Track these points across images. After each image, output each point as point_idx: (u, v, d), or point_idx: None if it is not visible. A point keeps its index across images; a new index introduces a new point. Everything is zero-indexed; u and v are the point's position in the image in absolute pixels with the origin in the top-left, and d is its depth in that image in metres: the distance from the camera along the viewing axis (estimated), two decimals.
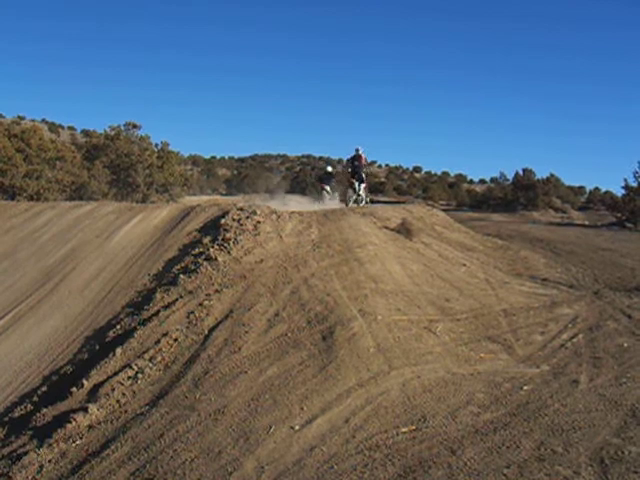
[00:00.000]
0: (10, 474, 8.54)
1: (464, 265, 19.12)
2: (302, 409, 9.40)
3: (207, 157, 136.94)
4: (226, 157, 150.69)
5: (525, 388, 10.83)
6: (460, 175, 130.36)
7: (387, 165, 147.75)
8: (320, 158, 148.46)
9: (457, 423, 9.29)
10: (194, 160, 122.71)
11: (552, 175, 62.97)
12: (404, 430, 9.02)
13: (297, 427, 8.94)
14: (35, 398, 11.28)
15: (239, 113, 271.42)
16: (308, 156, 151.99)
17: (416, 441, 8.68)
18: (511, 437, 8.78)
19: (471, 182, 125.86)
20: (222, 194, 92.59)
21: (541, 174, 71.37)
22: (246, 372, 10.44)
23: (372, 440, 8.72)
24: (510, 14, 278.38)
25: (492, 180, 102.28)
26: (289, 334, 11.72)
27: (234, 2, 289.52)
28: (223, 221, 18.11)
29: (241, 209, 19.42)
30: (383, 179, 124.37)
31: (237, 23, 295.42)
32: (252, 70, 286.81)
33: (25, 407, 11.04)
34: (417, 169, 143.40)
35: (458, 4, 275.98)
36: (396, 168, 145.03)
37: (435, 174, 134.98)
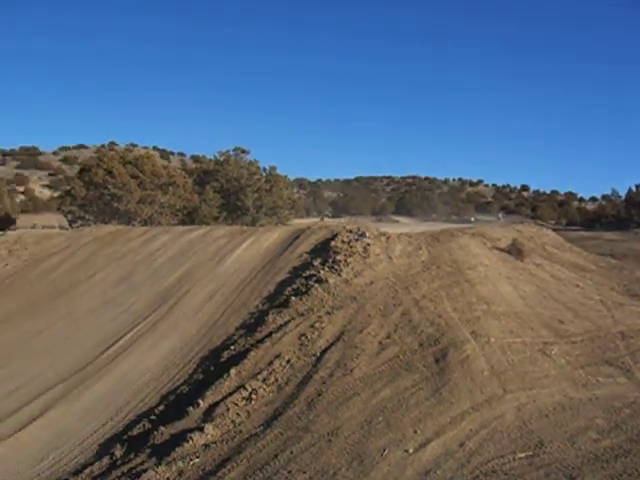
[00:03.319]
0: None
1: (577, 286, 18.61)
2: (416, 432, 9.32)
3: (313, 180, 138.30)
4: (331, 179, 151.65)
5: None
6: (570, 193, 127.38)
7: (494, 185, 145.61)
8: (426, 179, 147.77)
9: (576, 449, 9.01)
10: (300, 183, 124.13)
11: None
12: (521, 455, 8.81)
13: (411, 450, 8.86)
14: (153, 417, 11.56)
15: (344, 138, 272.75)
16: (414, 177, 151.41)
17: (533, 467, 8.46)
18: (633, 464, 8.47)
19: (581, 200, 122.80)
20: (328, 216, 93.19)
21: None
22: (359, 394, 10.42)
23: (488, 465, 8.54)
24: None
25: (604, 197, 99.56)
26: (401, 356, 11.66)
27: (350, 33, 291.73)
28: (333, 243, 18.25)
29: (350, 231, 19.53)
30: (490, 199, 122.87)
31: (350, 54, 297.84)
32: (355, 98, 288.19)
33: (143, 425, 11.32)
34: (525, 188, 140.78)
35: None
36: (503, 187, 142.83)
37: (544, 193, 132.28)
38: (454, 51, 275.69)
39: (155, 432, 10.59)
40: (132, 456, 10.14)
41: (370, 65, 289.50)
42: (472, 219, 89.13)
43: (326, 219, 73.71)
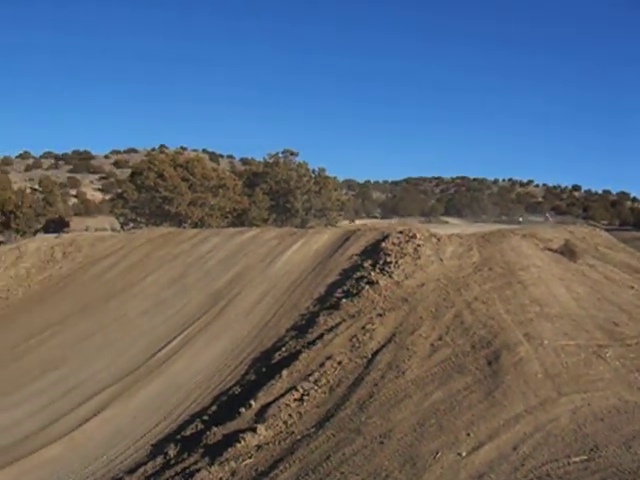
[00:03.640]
0: None
1: (632, 287, 18.27)
2: (469, 435, 9.24)
3: (361, 181, 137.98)
4: (380, 181, 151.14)
5: None
6: (622, 193, 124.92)
7: (544, 185, 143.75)
8: (475, 179, 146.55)
9: (632, 454, 8.83)
10: (349, 184, 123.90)
11: None
12: (575, 460, 8.67)
13: (464, 453, 8.79)
14: (205, 417, 11.70)
15: (393, 139, 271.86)
16: (463, 177, 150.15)
17: (588, 472, 8.31)
18: None
19: (634, 200, 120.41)
20: (377, 217, 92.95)
21: None
22: (411, 396, 10.38)
23: (542, 469, 8.42)
24: None
25: None
26: (453, 358, 11.58)
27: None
28: (383, 245, 18.23)
29: (401, 233, 19.47)
30: (541, 199, 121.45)
31: (399, 54, 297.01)
32: (404, 98, 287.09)
33: (196, 426, 11.46)
34: (576, 188, 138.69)
35: None
36: (554, 187, 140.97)
37: (595, 193, 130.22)
38: (499, 54, 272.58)
39: (208, 432, 10.70)
40: (185, 456, 10.26)
41: (419, 65, 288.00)
42: (520, 219, 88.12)
43: (375, 220, 73.56)
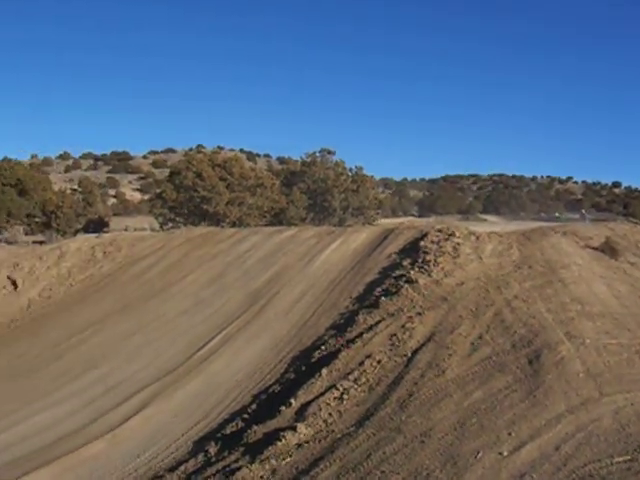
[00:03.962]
0: None
1: None
2: (510, 435, 9.17)
3: (398, 179, 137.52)
4: (417, 179, 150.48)
5: None
6: None
7: (584, 181, 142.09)
8: (513, 176, 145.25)
9: None
10: (385, 183, 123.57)
11: None
12: (619, 460, 8.56)
13: (505, 453, 8.72)
14: (245, 415, 11.75)
15: (428, 136, 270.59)
16: (500, 175, 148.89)
17: (632, 472, 8.19)
18: None
19: None
20: (414, 216, 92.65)
21: None
22: (451, 395, 10.33)
23: (584, 469, 8.33)
24: None
25: None
26: (493, 357, 11.51)
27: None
28: (422, 243, 18.20)
29: (440, 231, 19.43)
30: (580, 196, 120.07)
31: (432, 54, 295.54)
32: (440, 97, 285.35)
33: (236, 424, 11.51)
34: (616, 184, 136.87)
35: None
36: (594, 184, 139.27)
37: (636, 189, 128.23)
38: (530, 51, 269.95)
39: (248, 431, 10.74)
40: (226, 454, 10.30)
41: (455, 63, 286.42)
42: (556, 214, 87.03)
43: (412, 218, 73.31)
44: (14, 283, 21.25)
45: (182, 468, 10.33)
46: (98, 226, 45.40)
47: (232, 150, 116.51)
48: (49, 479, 10.58)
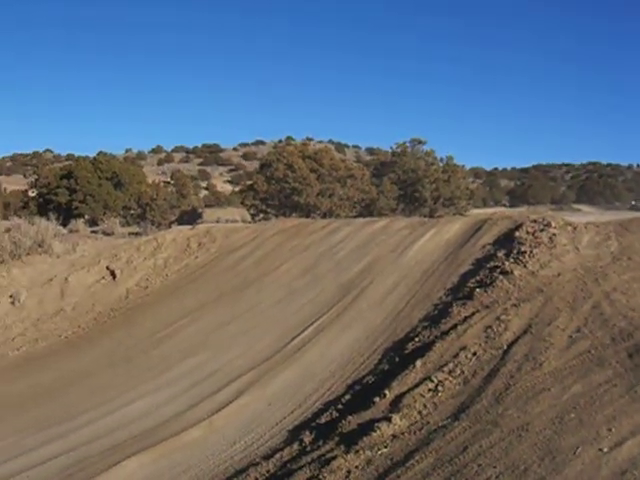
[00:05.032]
0: (320, 477, 8.93)
1: None
2: (610, 430, 8.94)
3: (489, 169, 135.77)
4: (508, 168, 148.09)
5: None
6: None
7: None
8: (608, 165, 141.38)
9: None
10: (476, 173, 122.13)
11: None
12: None
13: (606, 449, 8.51)
14: (340, 406, 11.81)
15: (519, 125, 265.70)
16: (595, 164, 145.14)
17: None
18: None
19: None
20: (505, 206, 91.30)
21: None
22: (549, 389, 10.15)
23: None
24: None
25: None
26: (592, 351, 11.24)
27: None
28: (517, 234, 17.96)
29: (535, 221, 19.12)
30: None
31: (522, 45, 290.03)
32: (530, 86, 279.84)
33: (330, 414, 11.58)
34: None
35: None
36: None
37: None
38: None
39: (343, 421, 10.80)
40: (320, 443, 10.37)
41: (544, 56, 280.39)
42: (632, 203, 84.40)
43: (503, 209, 72.21)
44: (112, 273, 21.87)
45: (277, 456, 10.46)
46: (191, 218, 46.43)
47: (321, 141, 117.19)
48: (149, 463, 10.85)
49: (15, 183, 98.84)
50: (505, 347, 11.82)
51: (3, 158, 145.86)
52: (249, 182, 47.75)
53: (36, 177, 60.30)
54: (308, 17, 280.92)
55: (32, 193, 59.29)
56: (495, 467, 8.29)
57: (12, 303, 19.44)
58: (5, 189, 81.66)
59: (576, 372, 10.62)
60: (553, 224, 18.25)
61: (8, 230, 23.77)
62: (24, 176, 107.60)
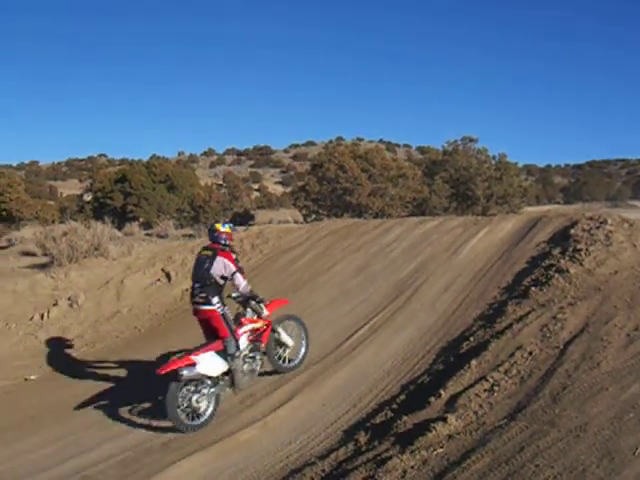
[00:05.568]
0: (376, 477, 8.90)
1: None
2: None
3: (542, 166, 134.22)
4: (561, 165, 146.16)
5: None
6: None
7: None
8: None
9: None
10: (529, 170, 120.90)
11: None
12: None
13: None
14: (394, 406, 11.79)
15: (573, 121, 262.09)
16: None
17: None
18: None
19: None
20: (559, 203, 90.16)
21: None
22: (607, 389, 10.01)
23: None
24: None
25: None
26: None
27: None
28: (572, 232, 17.75)
29: (591, 218, 18.88)
30: None
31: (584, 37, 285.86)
32: (585, 81, 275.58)
33: (385, 414, 11.57)
34: None
35: None
36: None
37: None
38: None
39: (398, 421, 10.78)
40: (376, 443, 10.35)
41: (600, 47, 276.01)
42: None
43: (557, 206, 71.28)
44: (167, 275, 22.10)
45: (333, 456, 10.46)
46: (244, 219, 46.77)
47: (371, 141, 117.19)
48: (209, 461, 10.95)
49: (71, 188, 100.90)
50: (562, 346, 11.69)
51: (59, 163, 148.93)
52: (300, 183, 47.94)
53: (91, 181, 61.52)
54: (352, 23, 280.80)
55: (87, 197, 60.46)
56: (553, 468, 8.20)
57: (70, 305, 19.77)
58: (61, 194, 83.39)
59: (635, 371, 10.45)
60: (609, 221, 17.99)
61: (65, 234, 24.19)
62: (79, 181, 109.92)
